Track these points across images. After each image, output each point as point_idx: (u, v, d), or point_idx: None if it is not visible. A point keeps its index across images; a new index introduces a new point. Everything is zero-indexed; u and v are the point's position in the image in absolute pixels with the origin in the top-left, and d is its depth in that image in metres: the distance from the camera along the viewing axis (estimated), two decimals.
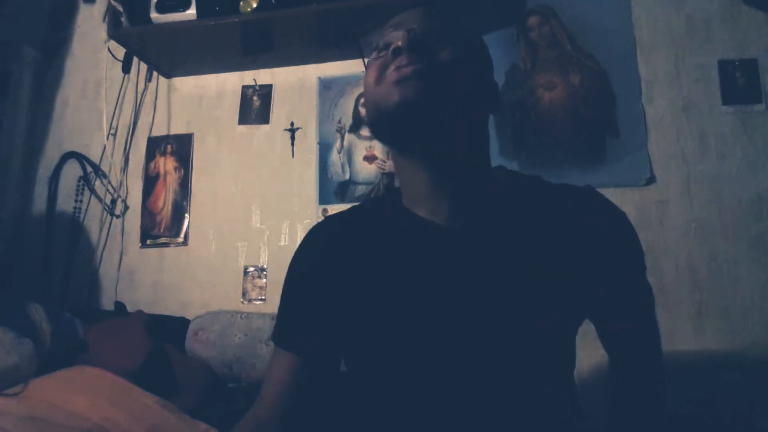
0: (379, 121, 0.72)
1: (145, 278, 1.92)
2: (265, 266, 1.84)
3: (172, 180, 1.97)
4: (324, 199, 1.82)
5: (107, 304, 1.90)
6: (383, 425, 0.78)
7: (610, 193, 1.72)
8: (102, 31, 1.97)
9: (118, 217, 1.98)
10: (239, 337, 1.63)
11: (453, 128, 0.70)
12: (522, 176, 0.83)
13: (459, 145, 0.73)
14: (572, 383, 0.83)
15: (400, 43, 0.69)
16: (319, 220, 0.88)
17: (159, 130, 2.02)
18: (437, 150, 0.72)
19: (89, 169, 2.01)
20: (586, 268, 0.74)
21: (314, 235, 0.85)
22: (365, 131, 1.85)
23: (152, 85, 2.05)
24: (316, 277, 0.80)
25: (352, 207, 0.87)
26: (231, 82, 1.99)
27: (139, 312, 1.72)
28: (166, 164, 1.98)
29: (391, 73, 0.69)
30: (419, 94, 0.67)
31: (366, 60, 0.74)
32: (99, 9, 2.08)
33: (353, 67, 1.85)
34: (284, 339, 0.82)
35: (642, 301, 0.81)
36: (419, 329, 0.73)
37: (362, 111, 1.83)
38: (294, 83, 1.94)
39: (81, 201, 2.00)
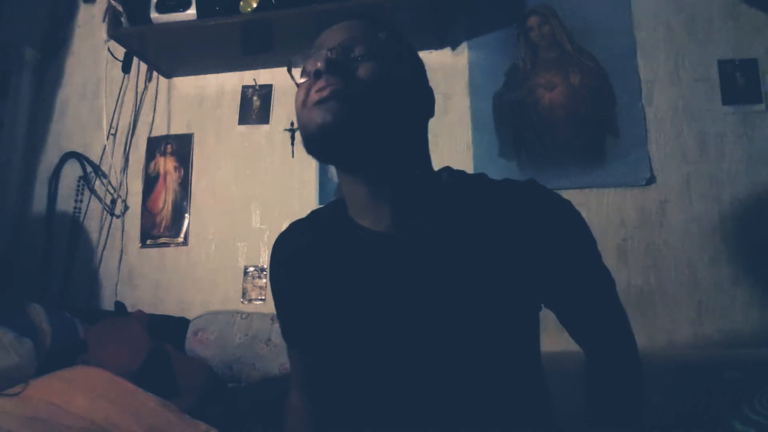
0: (307, 142, 0.74)
1: (145, 278, 1.92)
2: (265, 266, 1.84)
3: (172, 180, 1.97)
4: (324, 199, 1.82)
5: (107, 304, 1.91)
6: (346, 427, 0.82)
7: (610, 193, 1.73)
8: (102, 31, 1.96)
9: (118, 217, 1.98)
10: (239, 337, 1.63)
11: (381, 142, 0.72)
12: (466, 175, 0.84)
13: (392, 156, 0.74)
14: (538, 380, 0.83)
15: (319, 65, 0.71)
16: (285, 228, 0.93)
17: (159, 130, 2.02)
18: (369, 165, 0.74)
19: (89, 169, 2.01)
20: (535, 260, 0.75)
21: (280, 247, 0.90)
22: None
23: (152, 85, 2.05)
24: (289, 287, 0.88)
25: (311, 213, 0.90)
26: (231, 82, 1.99)
27: (139, 312, 1.72)
28: (166, 164, 1.98)
29: (313, 96, 0.71)
30: (339, 115, 0.68)
31: (295, 80, 0.76)
32: (99, 9, 2.08)
33: None
34: (286, 337, 0.93)
35: (599, 285, 0.81)
36: (370, 336, 0.76)
37: None
38: (294, 83, 1.93)
39: (81, 201, 2.00)
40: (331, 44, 0.73)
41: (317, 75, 0.71)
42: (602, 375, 0.83)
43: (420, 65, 0.81)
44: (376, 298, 0.76)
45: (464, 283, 0.73)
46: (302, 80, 0.75)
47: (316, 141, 0.71)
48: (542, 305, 0.82)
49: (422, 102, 0.79)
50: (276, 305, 0.92)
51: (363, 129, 0.69)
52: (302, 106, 0.73)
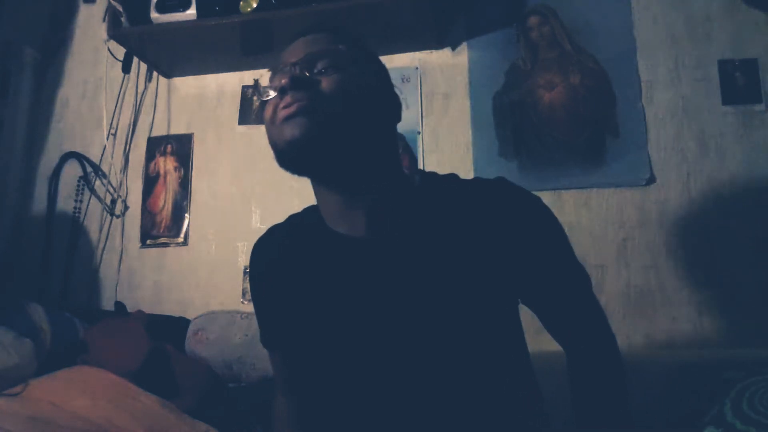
0: (278, 157, 0.75)
1: (145, 278, 1.92)
2: None
3: (172, 180, 1.97)
4: None
5: (107, 304, 1.91)
6: (332, 429, 0.84)
7: (610, 193, 1.73)
8: (102, 31, 1.97)
9: (118, 217, 1.98)
10: (239, 337, 1.63)
11: (351, 153, 0.73)
12: (438, 177, 0.85)
13: (363, 165, 0.75)
14: (524, 376, 0.84)
15: (283, 82, 0.72)
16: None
17: (159, 130, 2.02)
18: (341, 175, 0.76)
19: (89, 169, 2.01)
20: (508, 256, 0.76)
21: (258, 252, 0.93)
22: None
23: (152, 85, 2.05)
24: (267, 293, 0.90)
25: (289, 218, 0.92)
26: (231, 82, 1.99)
27: (139, 312, 1.72)
28: (166, 164, 1.98)
29: (280, 113, 0.72)
30: (306, 130, 0.69)
31: (263, 98, 0.77)
32: (99, 9, 2.08)
33: None
34: (264, 341, 0.95)
35: (572, 280, 0.82)
36: (350, 340, 0.78)
37: None
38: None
39: (81, 201, 2.00)
40: (294, 59, 0.75)
41: (282, 92, 0.72)
42: (583, 370, 0.84)
43: (384, 72, 0.83)
44: (356, 303, 0.77)
45: (441, 283, 0.75)
46: (270, 97, 0.76)
47: (287, 156, 0.73)
48: (519, 300, 0.83)
49: (388, 108, 0.80)
50: (255, 309, 0.94)
51: (332, 141, 0.71)
52: (271, 123, 0.75)
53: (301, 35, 0.79)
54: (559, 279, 0.81)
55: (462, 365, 0.75)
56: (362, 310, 0.77)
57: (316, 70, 0.73)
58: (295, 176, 0.78)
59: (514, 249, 0.76)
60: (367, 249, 0.77)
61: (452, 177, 0.84)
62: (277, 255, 0.88)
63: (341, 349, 0.79)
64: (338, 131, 0.71)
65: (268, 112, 0.75)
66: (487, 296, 0.76)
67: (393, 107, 0.81)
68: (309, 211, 0.88)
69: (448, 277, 0.75)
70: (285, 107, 0.71)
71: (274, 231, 0.92)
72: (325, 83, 0.72)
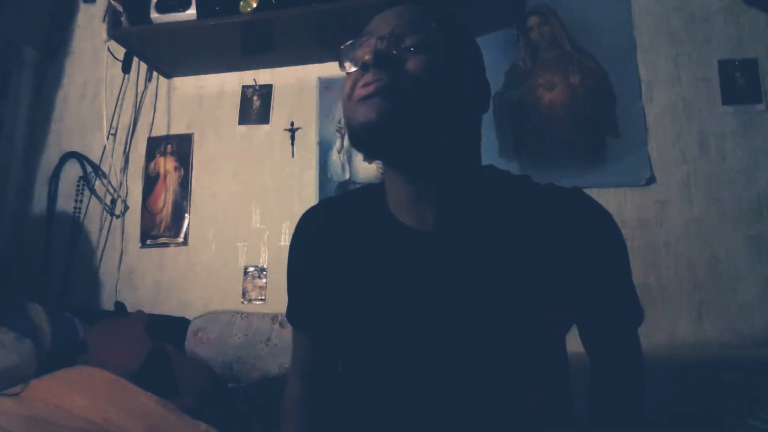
0: (351, 137, 0.70)
1: (145, 278, 1.92)
2: (265, 266, 1.84)
3: (172, 180, 1.97)
4: None
5: (107, 304, 1.91)
6: (369, 424, 0.80)
7: (610, 193, 1.72)
8: (102, 31, 1.97)
9: (118, 217, 1.98)
10: (239, 337, 1.63)
11: (428, 141, 0.68)
12: (511, 176, 0.81)
13: (439, 154, 0.70)
14: (564, 389, 0.82)
15: (367, 58, 0.67)
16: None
17: (159, 130, 2.02)
18: (414, 163, 0.71)
19: (89, 169, 2.01)
20: (573, 271, 0.73)
21: (306, 223, 0.86)
22: None
23: (152, 85, 2.05)
24: (308, 267, 0.83)
25: (343, 195, 0.87)
26: (231, 82, 1.99)
27: (139, 312, 1.72)
28: (166, 164, 1.98)
29: (358, 91, 0.67)
30: (383, 113, 0.65)
31: (344, 71, 0.72)
32: (99, 9, 2.08)
33: None
34: (292, 319, 0.88)
35: (626, 308, 0.79)
36: (405, 336, 0.74)
37: None
38: (294, 83, 1.94)
39: (81, 201, 2.00)
40: (381, 32, 0.69)
41: (365, 68, 0.67)
42: (608, 390, 0.82)
43: (477, 56, 0.76)
44: (408, 297, 0.74)
45: (502, 287, 0.72)
46: (352, 70, 0.70)
47: (360, 138, 0.68)
48: (572, 321, 0.79)
49: (476, 97, 0.74)
50: (289, 281, 0.87)
51: (409, 127, 0.66)
52: (348, 99, 0.70)
53: (392, 5, 0.72)
54: (614, 304, 0.78)
55: (503, 374, 0.73)
56: (414, 305, 0.73)
57: (403, 46, 0.68)
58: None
59: (579, 263, 0.73)
60: (432, 244, 0.73)
61: (526, 179, 0.80)
62: (328, 230, 0.81)
63: (382, 341, 0.76)
64: (418, 117, 0.65)
65: (347, 87, 0.70)
66: (543, 307, 0.72)
67: (482, 95, 0.75)
68: (370, 190, 0.82)
69: (507, 283, 0.72)
70: (365, 85, 0.66)
71: (327, 204, 0.86)
72: (412, 63, 0.66)
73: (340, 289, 0.78)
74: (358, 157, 1.84)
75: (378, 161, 0.74)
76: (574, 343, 0.82)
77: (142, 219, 1.96)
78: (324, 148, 1.86)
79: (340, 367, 0.86)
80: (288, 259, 0.87)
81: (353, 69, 0.70)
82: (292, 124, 1.91)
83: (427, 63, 0.67)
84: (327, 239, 0.81)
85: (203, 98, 2.01)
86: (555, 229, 0.73)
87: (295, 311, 0.88)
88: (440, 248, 0.73)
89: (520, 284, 0.72)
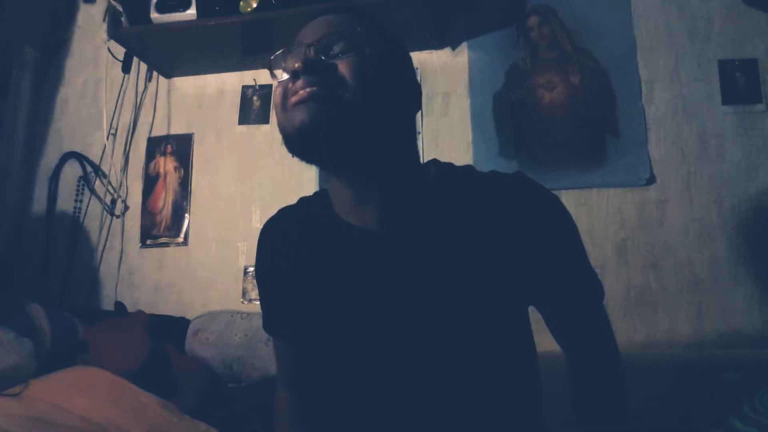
0: (287, 143, 0.70)
1: (145, 278, 1.92)
2: None
3: (172, 180, 1.97)
4: None
5: (107, 304, 1.91)
6: (341, 423, 0.82)
7: (610, 193, 1.73)
8: (102, 31, 1.97)
9: (118, 217, 1.98)
10: (239, 337, 1.63)
11: (364, 142, 0.69)
12: (453, 168, 0.82)
13: (377, 155, 0.72)
14: (529, 377, 0.82)
15: (297, 66, 0.68)
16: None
17: (159, 130, 2.02)
18: (352, 165, 0.72)
19: (89, 169, 2.01)
20: (523, 255, 0.74)
21: (266, 233, 0.89)
22: None
23: (152, 85, 2.05)
24: (272, 276, 0.87)
25: (298, 201, 0.90)
26: (231, 82, 1.99)
27: (139, 312, 1.72)
28: (166, 164, 1.98)
29: (292, 98, 0.68)
30: (317, 117, 0.66)
31: (275, 80, 0.73)
32: (99, 9, 2.08)
33: None
34: (267, 328, 0.92)
35: (585, 285, 0.80)
36: (361, 335, 0.76)
37: None
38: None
39: (81, 201, 2.00)
40: (309, 40, 0.70)
41: (295, 75, 0.68)
42: (584, 380, 0.83)
43: (405, 57, 0.78)
44: (363, 297, 0.76)
45: (452, 279, 0.73)
46: (283, 78, 0.71)
47: (296, 143, 0.69)
48: (529, 303, 0.81)
49: (407, 96, 0.75)
50: (260, 291, 0.90)
51: (344, 129, 0.67)
52: (281, 107, 0.71)
53: (319, 15, 0.74)
54: (571, 283, 0.79)
55: (468, 364, 0.74)
56: (369, 304, 0.75)
57: (332, 53, 0.69)
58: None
59: (528, 247, 0.74)
60: (377, 241, 0.75)
61: (469, 169, 0.81)
62: (285, 239, 0.84)
63: (346, 342, 0.78)
64: (352, 119, 0.67)
65: (278, 94, 0.71)
66: (497, 295, 0.74)
67: (412, 95, 0.76)
68: (320, 196, 0.85)
69: (458, 274, 0.73)
70: (296, 92, 0.67)
71: (284, 213, 0.89)
72: (342, 67, 0.68)
73: (301, 295, 0.81)
74: None
75: (315, 165, 0.75)
76: (546, 342, 0.83)
77: (142, 219, 1.96)
78: None
79: (313, 369, 0.88)
80: (254, 271, 0.91)
81: (284, 77, 0.71)
82: None
83: (357, 66, 0.68)
84: (285, 247, 0.84)
85: (203, 98, 2.01)
86: (500, 216, 0.75)
87: (268, 320, 0.91)
88: (387, 246, 0.75)
89: (468, 273, 0.73)
